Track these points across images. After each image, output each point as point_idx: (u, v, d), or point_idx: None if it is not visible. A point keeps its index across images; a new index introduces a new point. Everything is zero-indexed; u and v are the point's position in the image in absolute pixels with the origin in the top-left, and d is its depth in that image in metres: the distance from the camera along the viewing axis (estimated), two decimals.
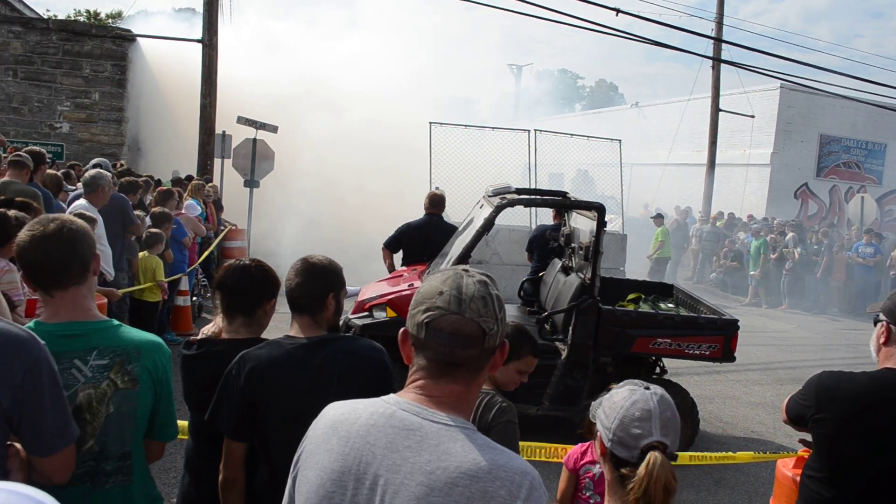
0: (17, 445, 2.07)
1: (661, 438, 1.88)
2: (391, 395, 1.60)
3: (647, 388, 1.96)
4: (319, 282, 2.71)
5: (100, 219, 6.43)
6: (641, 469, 1.85)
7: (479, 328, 1.52)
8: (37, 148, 7.55)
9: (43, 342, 2.05)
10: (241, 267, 2.93)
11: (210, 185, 12.69)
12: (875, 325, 2.89)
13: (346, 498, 1.50)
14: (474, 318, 1.52)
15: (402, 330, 1.62)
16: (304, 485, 1.58)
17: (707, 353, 6.60)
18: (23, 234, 2.28)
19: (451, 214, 9.29)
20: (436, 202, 8.22)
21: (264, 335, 2.91)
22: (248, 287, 2.88)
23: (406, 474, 1.45)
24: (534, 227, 11.62)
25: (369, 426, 1.53)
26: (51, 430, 2.01)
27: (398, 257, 8.34)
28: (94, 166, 8.07)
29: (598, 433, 2.01)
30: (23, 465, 2.06)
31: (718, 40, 20.97)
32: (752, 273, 17.99)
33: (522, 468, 1.47)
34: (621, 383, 2.05)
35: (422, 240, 7.96)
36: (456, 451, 1.45)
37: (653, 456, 1.85)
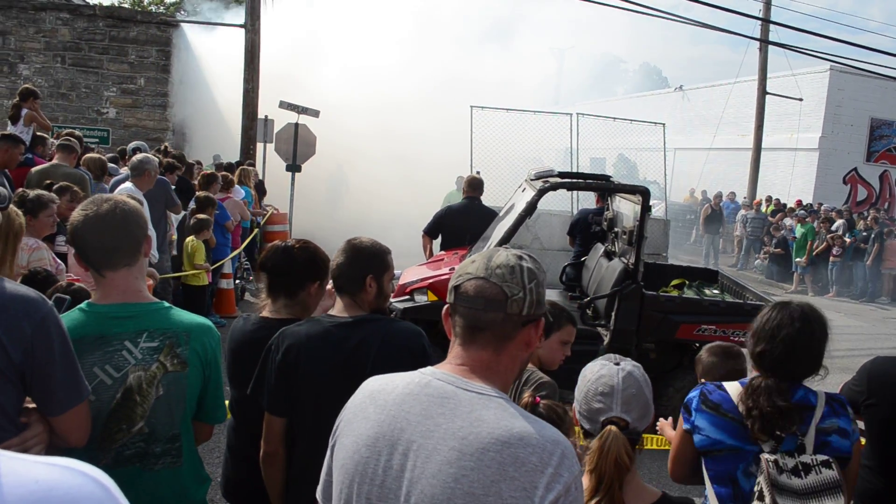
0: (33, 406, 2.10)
1: (622, 414, 1.91)
2: (428, 367, 1.64)
3: (617, 364, 1.98)
4: (358, 263, 2.71)
5: (145, 202, 6.53)
6: (595, 442, 1.90)
7: (500, 291, 1.56)
8: (75, 132, 7.69)
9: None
10: (283, 248, 2.96)
11: (250, 168, 12.81)
12: None
13: (380, 463, 1.53)
14: (497, 282, 1.56)
15: (445, 306, 1.68)
16: (341, 451, 1.63)
17: None
18: (76, 214, 2.30)
19: (490, 199, 9.24)
20: (475, 185, 8.19)
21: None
22: (290, 267, 2.90)
23: (438, 440, 1.48)
24: (575, 211, 11.52)
25: (405, 395, 1.57)
26: (62, 387, 2.03)
27: (437, 243, 8.33)
28: (134, 150, 8.21)
29: (573, 406, 2.09)
30: (41, 419, 2.08)
31: (766, 21, 20.49)
32: (797, 260, 17.57)
33: (555, 437, 1.48)
34: (597, 358, 2.08)
35: (461, 223, 7.94)
36: (488, 417, 1.48)
37: (607, 430, 1.89)
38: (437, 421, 1.50)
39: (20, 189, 5.17)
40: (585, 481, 1.93)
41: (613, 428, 1.89)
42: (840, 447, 2.34)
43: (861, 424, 2.91)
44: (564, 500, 1.43)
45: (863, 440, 2.68)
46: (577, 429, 2.17)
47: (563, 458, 1.45)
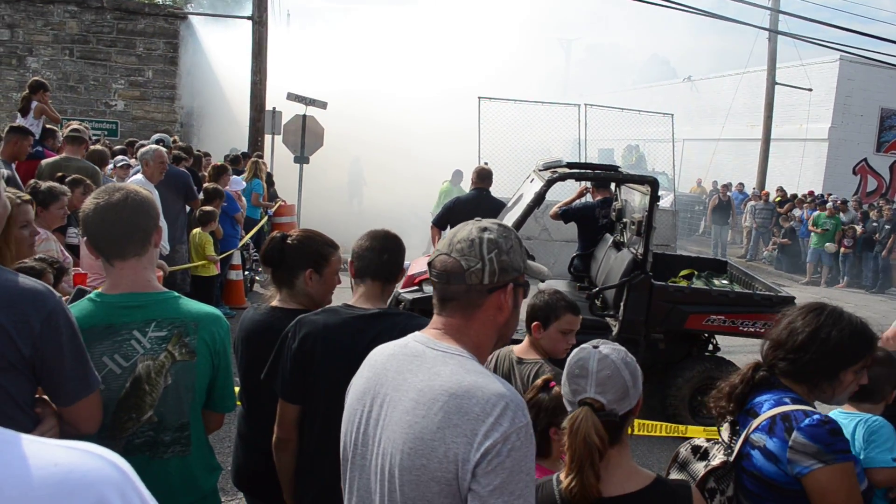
0: (45, 398, 2.12)
1: (596, 396, 1.93)
2: (415, 332, 1.82)
3: (596, 347, 2.01)
4: (396, 253, 2.75)
5: (156, 193, 6.54)
6: (566, 421, 1.94)
7: (458, 265, 1.71)
8: (76, 124, 7.70)
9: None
10: (273, 240, 2.98)
11: (261, 160, 12.82)
12: None
13: (364, 413, 1.75)
14: (457, 256, 1.71)
15: None
16: (345, 407, 1.86)
17: (762, 330, 6.45)
18: (88, 203, 2.31)
19: (499, 190, 9.22)
20: (483, 176, 8.17)
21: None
22: (278, 259, 2.92)
23: (403, 391, 1.67)
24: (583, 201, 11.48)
25: (389, 356, 1.79)
26: (72, 379, 2.04)
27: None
28: (156, 142, 8.24)
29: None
30: (54, 413, 2.10)
31: (775, 10, 20.35)
32: (827, 245, 17.20)
33: (501, 391, 1.59)
34: (586, 343, 2.10)
35: (471, 214, 7.85)
36: (444, 372, 1.64)
37: (579, 410, 1.92)
38: (405, 376, 1.69)
39: (32, 181, 5.18)
40: (566, 461, 1.96)
41: (584, 408, 1.91)
42: (760, 467, 2.19)
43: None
44: (502, 447, 1.52)
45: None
46: None
47: (504, 410, 1.55)
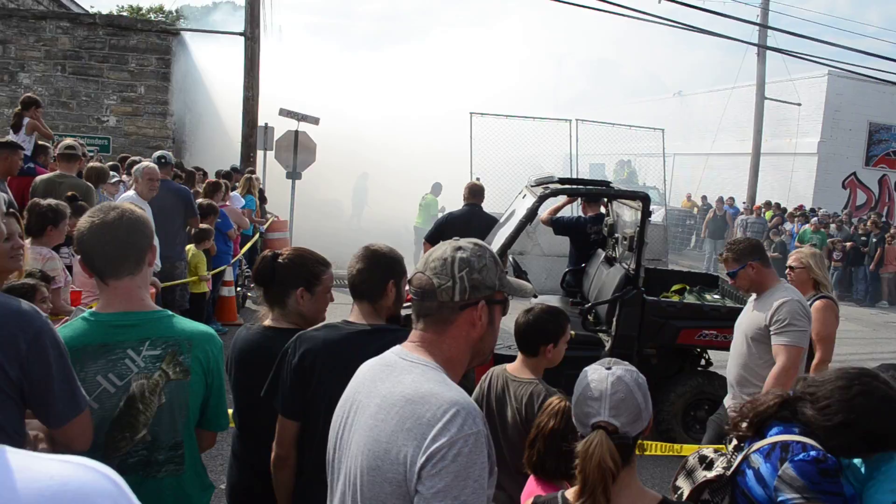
0: (36, 422, 2.10)
1: (610, 419, 1.91)
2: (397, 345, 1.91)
3: (608, 368, 1.99)
4: (380, 269, 2.73)
5: (148, 209, 6.52)
6: (580, 445, 1.92)
7: (430, 282, 1.79)
8: (67, 140, 7.67)
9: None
10: (266, 258, 2.97)
11: (255, 176, 12.82)
12: None
13: (343, 420, 1.86)
14: (430, 274, 1.79)
15: None
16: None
17: None
18: (83, 221, 2.31)
19: (491, 206, 9.25)
20: (475, 192, 8.18)
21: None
22: (271, 277, 2.91)
23: (371, 398, 1.77)
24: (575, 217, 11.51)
25: (369, 367, 1.89)
26: (60, 400, 2.02)
27: None
28: (158, 158, 8.25)
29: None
30: (46, 437, 2.10)
31: (763, 26, 20.54)
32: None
33: (454, 398, 1.65)
34: (597, 362, 2.08)
35: (463, 230, 7.89)
36: (406, 380, 1.73)
37: (594, 434, 1.91)
38: (376, 384, 1.80)
39: (34, 199, 5.15)
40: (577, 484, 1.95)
41: (599, 432, 1.90)
42: (751, 487, 2.22)
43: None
44: (448, 451, 1.56)
45: None
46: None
47: (455, 416, 1.60)
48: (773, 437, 2.24)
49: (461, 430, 1.58)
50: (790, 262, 5.00)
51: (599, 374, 1.97)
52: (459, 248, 1.82)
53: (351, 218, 20.87)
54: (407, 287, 1.94)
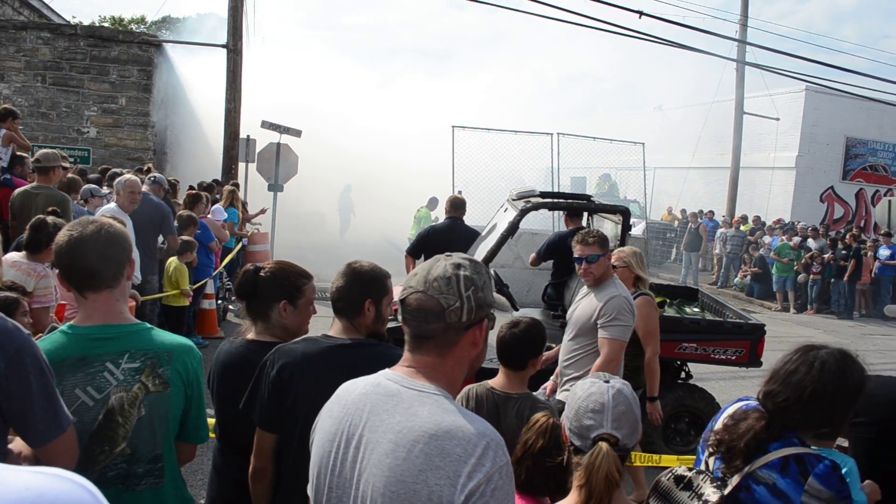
0: (19, 439, 2.08)
1: (612, 431, 1.94)
2: (386, 369, 1.79)
3: (607, 382, 2.01)
4: (357, 287, 2.73)
5: (129, 222, 6.49)
6: (586, 458, 1.94)
7: (437, 304, 1.69)
8: (47, 150, 7.57)
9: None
10: (248, 272, 2.97)
11: (237, 189, 12.76)
12: None
13: (338, 456, 1.71)
14: (434, 294, 1.69)
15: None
16: (314, 447, 1.83)
17: (733, 357, 6.54)
18: (61, 235, 2.31)
19: (473, 219, 9.28)
20: (457, 205, 8.21)
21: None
22: (254, 290, 2.91)
23: (381, 433, 1.64)
24: (556, 230, 11.57)
25: (361, 395, 1.74)
26: (42, 420, 2.00)
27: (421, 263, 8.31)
28: (151, 179, 8.26)
29: (562, 421, 2.12)
30: (29, 456, 2.07)
31: (742, 42, 20.80)
32: (800, 276, 17.62)
33: (482, 430, 1.60)
34: (587, 376, 2.10)
35: (445, 243, 7.92)
36: (422, 413, 1.62)
37: (598, 446, 1.92)
38: (381, 417, 1.66)
39: (39, 217, 5.08)
40: (575, 496, 1.97)
41: (605, 445, 1.92)
42: (766, 503, 2.21)
43: (845, 443, 2.93)
44: (486, 488, 1.52)
45: None
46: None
47: (486, 450, 1.56)
48: (781, 452, 2.25)
49: (494, 462, 1.55)
50: (613, 260, 5.15)
51: (599, 388, 1.99)
52: (460, 266, 1.73)
53: (340, 231, 20.83)
54: (397, 307, 1.86)
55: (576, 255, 4.70)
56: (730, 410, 2.43)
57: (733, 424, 2.33)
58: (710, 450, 2.38)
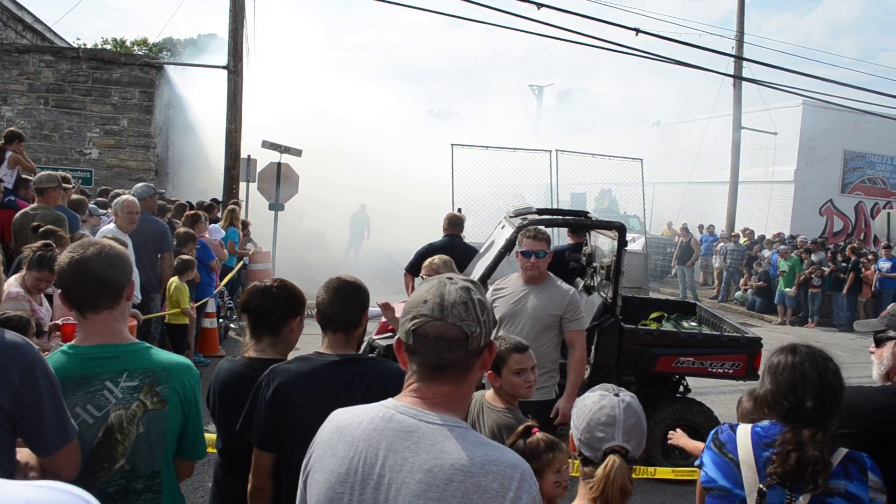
0: (26, 450, 2.16)
1: (623, 443, 2.00)
2: (390, 399, 1.70)
3: (617, 395, 2.06)
4: (359, 300, 2.80)
5: (129, 243, 6.54)
6: (600, 470, 1.97)
7: (461, 332, 1.61)
8: (43, 172, 7.64)
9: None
10: (263, 288, 3.01)
11: (238, 208, 12.82)
12: (879, 342, 2.93)
13: (353, 498, 1.61)
14: (456, 322, 1.61)
15: (395, 338, 1.75)
16: (315, 487, 1.70)
17: (730, 371, 6.57)
18: (63, 256, 2.38)
19: (473, 236, 9.33)
20: (455, 223, 8.26)
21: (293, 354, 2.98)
22: (272, 307, 2.96)
23: (407, 473, 1.55)
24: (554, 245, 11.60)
25: (371, 430, 1.64)
26: (51, 430, 2.09)
27: (419, 281, 8.36)
28: (144, 187, 8.26)
29: (570, 432, 2.14)
30: (35, 465, 2.14)
31: (739, 58, 20.92)
32: (786, 290, 17.64)
33: (513, 461, 1.58)
34: (594, 387, 2.15)
35: None
36: (451, 448, 1.56)
37: (612, 459, 1.97)
38: (403, 455, 1.57)
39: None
40: None
41: (617, 457, 1.97)
42: None
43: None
44: None
45: None
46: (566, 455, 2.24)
47: (522, 482, 1.54)
48: (836, 458, 2.31)
49: (529, 493, 1.54)
50: (425, 271, 5.31)
51: (610, 401, 2.04)
52: (470, 290, 1.66)
53: (346, 248, 20.80)
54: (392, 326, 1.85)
55: (524, 248, 4.93)
56: (746, 442, 2.37)
57: (785, 452, 2.27)
58: (770, 481, 2.29)
